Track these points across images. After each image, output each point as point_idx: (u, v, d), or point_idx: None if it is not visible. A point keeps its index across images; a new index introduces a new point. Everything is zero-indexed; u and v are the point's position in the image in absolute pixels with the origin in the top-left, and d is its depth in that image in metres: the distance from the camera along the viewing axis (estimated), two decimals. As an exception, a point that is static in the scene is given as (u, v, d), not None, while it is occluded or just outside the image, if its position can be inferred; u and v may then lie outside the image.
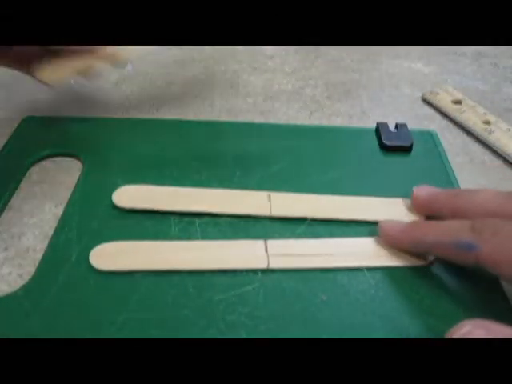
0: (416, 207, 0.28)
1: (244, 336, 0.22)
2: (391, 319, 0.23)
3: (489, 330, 0.20)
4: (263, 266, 0.25)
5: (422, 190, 0.28)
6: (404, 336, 0.23)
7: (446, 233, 0.24)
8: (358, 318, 0.23)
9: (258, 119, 0.37)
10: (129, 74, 0.42)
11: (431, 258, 0.26)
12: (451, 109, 0.38)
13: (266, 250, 0.26)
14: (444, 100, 0.39)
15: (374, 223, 0.27)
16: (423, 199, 0.28)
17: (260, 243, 0.26)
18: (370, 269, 0.26)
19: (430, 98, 0.40)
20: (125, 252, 0.26)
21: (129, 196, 0.28)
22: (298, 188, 0.30)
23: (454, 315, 0.23)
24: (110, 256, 0.26)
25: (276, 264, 0.25)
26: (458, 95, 0.40)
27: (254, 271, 0.25)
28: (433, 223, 0.25)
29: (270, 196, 0.29)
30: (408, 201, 0.29)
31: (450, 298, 0.24)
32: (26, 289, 0.24)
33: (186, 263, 0.25)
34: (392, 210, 0.28)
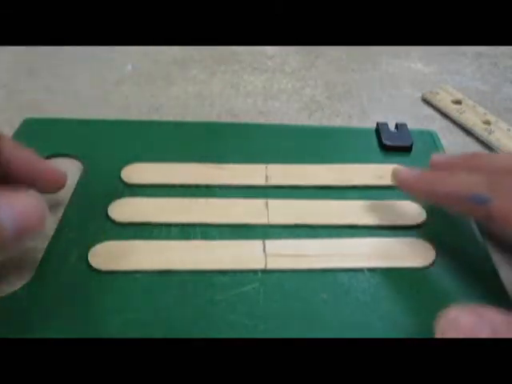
0: (436, 167, 0.27)
1: (244, 336, 0.22)
2: (391, 319, 0.23)
3: (475, 314, 0.20)
4: (261, 266, 0.25)
5: (440, 157, 0.28)
6: (404, 336, 0.23)
7: (462, 184, 0.24)
8: (358, 317, 0.23)
9: (258, 119, 0.37)
10: (129, 73, 0.42)
11: (431, 260, 0.26)
12: (451, 109, 0.38)
13: (264, 251, 0.26)
14: (444, 100, 0.39)
15: (374, 227, 0.28)
16: (445, 161, 0.27)
17: (258, 243, 0.26)
18: (369, 269, 0.25)
19: (429, 97, 0.40)
20: (124, 252, 0.26)
21: (125, 209, 0.28)
22: (298, 188, 0.30)
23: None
24: (110, 256, 0.25)
25: (274, 265, 0.25)
26: (458, 95, 0.40)
27: (254, 271, 0.25)
28: (450, 174, 0.25)
29: (267, 203, 0.29)
30: (408, 203, 0.29)
31: (450, 298, 0.24)
32: (26, 289, 0.24)
33: (184, 263, 0.25)
34: (392, 213, 0.28)
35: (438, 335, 0.20)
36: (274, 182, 0.30)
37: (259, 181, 0.30)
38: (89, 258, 0.25)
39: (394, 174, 0.27)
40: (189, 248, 0.26)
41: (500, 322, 0.19)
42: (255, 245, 0.26)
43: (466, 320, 0.19)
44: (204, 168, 0.31)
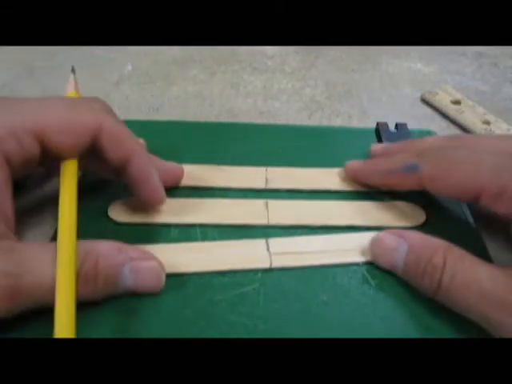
0: (374, 155, 0.31)
1: (244, 336, 0.22)
2: (391, 319, 0.23)
3: (397, 234, 0.25)
4: (266, 265, 0.25)
5: (378, 146, 0.32)
6: (404, 336, 0.23)
7: (395, 162, 0.28)
8: (357, 318, 0.23)
9: (258, 119, 0.37)
10: (129, 73, 0.42)
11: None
12: (450, 109, 0.38)
13: (268, 249, 0.26)
14: (443, 100, 0.39)
15: (374, 228, 0.28)
16: (382, 149, 0.31)
17: (261, 242, 0.26)
18: (370, 270, 0.25)
19: (428, 98, 0.40)
20: None
21: (125, 210, 0.28)
22: (298, 192, 0.30)
23: (454, 315, 0.23)
24: None
25: (278, 263, 0.25)
26: (457, 95, 0.40)
27: (255, 272, 0.25)
28: (387, 158, 0.29)
29: (267, 204, 0.29)
30: (408, 205, 0.29)
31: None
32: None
33: (187, 266, 0.25)
34: (393, 215, 0.28)
35: (370, 252, 0.26)
36: (273, 185, 0.30)
37: (259, 184, 0.30)
38: None
39: (346, 168, 0.30)
40: (190, 250, 0.26)
41: (417, 239, 0.24)
42: (259, 244, 0.26)
43: (388, 238, 0.25)
44: (203, 169, 0.31)
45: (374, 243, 0.25)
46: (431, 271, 0.23)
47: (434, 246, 0.23)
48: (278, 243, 0.26)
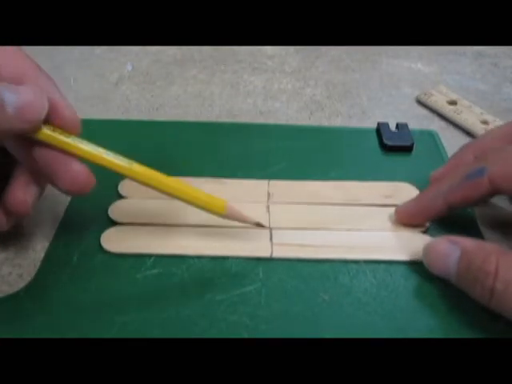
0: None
1: (245, 336, 0.22)
2: (393, 319, 0.23)
3: (449, 240, 0.24)
4: (266, 254, 0.26)
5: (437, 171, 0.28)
6: (406, 336, 0.23)
7: (457, 175, 0.25)
8: (359, 317, 0.23)
9: (258, 119, 0.37)
10: (129, 73, 0.42)
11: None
12: (448, 110, 0.38)
13: (271, 239, 0.26)
14: (440, 101, 0.39)
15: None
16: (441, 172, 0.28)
17: (265, 232, 0.27)
18: (371, 269, 0.25)
19: (424, 99, 0.39)
20: (135, 235, 0.27)
21: (126, 210, 0.28)
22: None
23: (456, 315, 0.23)
24: (120, 238, 0.26)
25: (279, 253, 0.26)
26: (453, 96, 0.39)
27: (256, 272, 0.25)
28: (441, 181, 0.27)
29: (268, 207, 0.29)
30: None
31: (452, 298, 0.24)
32: (27, 289, 0.24)
33: (186, 248, 0.26)
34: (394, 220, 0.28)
35: (422, 259, 0.25)
36: (276, 199, 0.29)
37: (261, 199, 0.29)
38: (101, 241, 0.26)
39: (396, 215, 0.28)
40: (197, 234, 0.27)
41: (470, 245, 0.23)
42: (262, 233, 0.27)
43: (441, 245, 0.24)
44: (204, 183, 0.30)
45: (426, 250, 0.24)
46: (483, 278, 0.21)
47: (487, 251, 0.22)
48: (282, 234, 0.27)
